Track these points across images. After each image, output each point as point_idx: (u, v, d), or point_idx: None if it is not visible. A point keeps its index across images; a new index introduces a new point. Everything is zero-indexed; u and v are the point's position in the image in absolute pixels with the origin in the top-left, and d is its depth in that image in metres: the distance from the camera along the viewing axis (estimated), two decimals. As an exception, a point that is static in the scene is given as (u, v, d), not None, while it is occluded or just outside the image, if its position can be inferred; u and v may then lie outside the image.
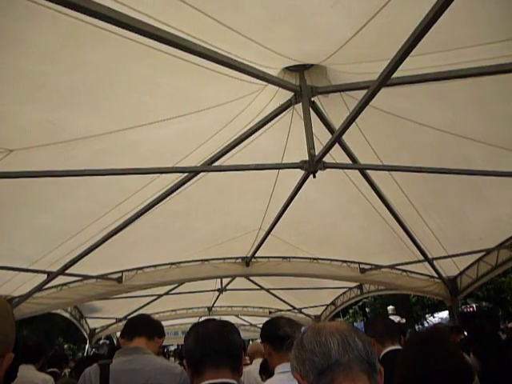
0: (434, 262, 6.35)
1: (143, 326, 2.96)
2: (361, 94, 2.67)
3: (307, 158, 3.21)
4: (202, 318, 2.30)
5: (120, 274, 6.34)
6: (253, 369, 4.51)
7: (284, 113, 3.49)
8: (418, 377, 2.02)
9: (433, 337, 2.23)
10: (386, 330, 3.20)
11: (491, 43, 2.54)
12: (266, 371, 3.54)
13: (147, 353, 2.78)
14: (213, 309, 11.32)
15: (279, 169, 4.29)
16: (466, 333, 6.48)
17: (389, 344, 3.10)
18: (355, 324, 21.03)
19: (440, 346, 2.10)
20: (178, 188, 4.05)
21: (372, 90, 2.47)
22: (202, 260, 6.62)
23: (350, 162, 3.96)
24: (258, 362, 4.56)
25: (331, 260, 7.07)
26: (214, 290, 9.11)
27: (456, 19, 2.28)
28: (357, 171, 4.25)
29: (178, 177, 4.01)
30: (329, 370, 1.29)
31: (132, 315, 8.29)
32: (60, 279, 5.66)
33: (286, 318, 2.68)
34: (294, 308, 10.98)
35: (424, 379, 2.00)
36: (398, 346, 3.06)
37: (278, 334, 2.46)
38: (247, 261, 6.74)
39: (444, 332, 2.92)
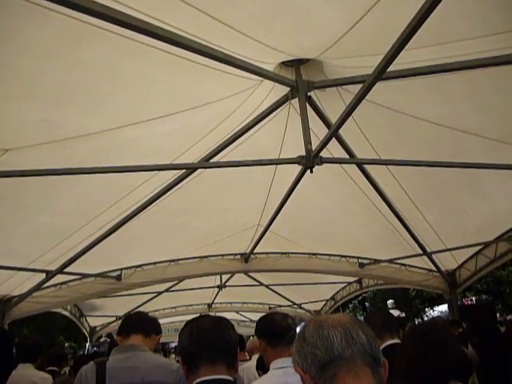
0: (433, 256, 6.35)
1: (140, 324, 2.95)
2: (357, 88, 2.66)
3: (304, 154, 3.20)
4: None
5: (119, 272, 6.32)
6: (252, 365, 4.51)
7: (280, 108, 3.49)
8: (417, 370, 2.03)
9: (431, 330, 2.24)
10: (385, 324, 3.18)
11: (485, 36, 2.54)
12: (263, 367, 3.53)
13: (144, 350, 2.77)
14: (213, 305, 11.33)
15: (276, 164, 4.28)
16: (464, 325, 6.51)
17: (388, 338, 3.09)
18: (355, 319, 21.07)
19: (439, 340, 2.10)
20: (175, 185, 4.05)
21: (367, 83, 2.46)
22: (200, 257, 6.62)
23: (348, 156, 3.96)
24: (257, 357, 4.57)
25: (330, 255, 7.07)
26: (214, 287, 9.11)
27: (450, 12, 2.28)
28: (354, 166, 4.25)
29: (175, 174, 4.01)
30: (331, 364, 1.26)
31: (132, 312, 8.30)
32: (59, 278, 5.65)
33: (281, 313, 2.67)
34: (294, 303, 11.00)
35: (423, 373, 2.00)
36: (396, 340, 3.04)
37: (274, 330, 2.45)
38: (246, 257, 6.74)
39: (442, 325, 2.93)
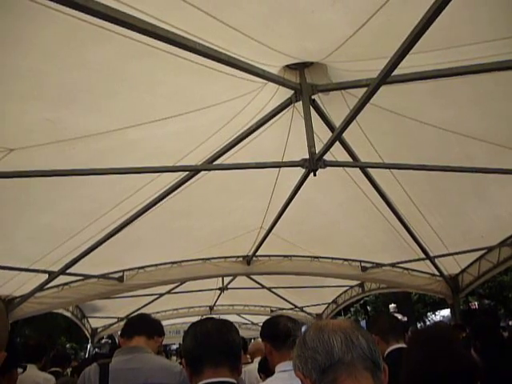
0: (436, 260, 6.34)
1: (143, 326, 2.96)
2: (362, 91, 2.66)
3: (308, 157, 3.20)
4: (204, 317, 2.31)
5: (121, 274, 6.32)
6: (254, 367, 4.50)
7: (284, 111, 3.49)
8: (424, 376, 2.01)
9: (437, 334, 2.22)
10: (391, 328, 3.16)
11: (492, 41, 2.54)
12: (265, 370, 3.52)
13: (147, 352, 2.78)
14: (214, 307, 11.31)
15: (280, 167, 4.27)
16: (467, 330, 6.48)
17: (393, 342, 3.07)
18: (357, 322, 21.02)
19: (446, 345, 2.09)
20: (178, 187, 4.05)
21: (372, 87, 2.46)
22: (203, 259, 6.61)
23: (351, 160, 3.95)
24: (259, 360, 4.55)
25: (332, 258, 7.06)
26: (216, 289, 9.10)
27: (456, 16, 2.27)
28: (357, 169, 4.24)
29: (178, 176, 4.01)
30: (332, 369, 1.27)
31: (134, 314, 8.29)
32: (61, 279, 5.65)
33: (286, 316, 2.68)
34: (296, 306, 10.98)
35: (429, 377, 1.99)
36: (402, 344, 3.02)
37: (279, 332, 2.46)
38: (248, 259, 6.73)
39: (448, 330, 2.91)
